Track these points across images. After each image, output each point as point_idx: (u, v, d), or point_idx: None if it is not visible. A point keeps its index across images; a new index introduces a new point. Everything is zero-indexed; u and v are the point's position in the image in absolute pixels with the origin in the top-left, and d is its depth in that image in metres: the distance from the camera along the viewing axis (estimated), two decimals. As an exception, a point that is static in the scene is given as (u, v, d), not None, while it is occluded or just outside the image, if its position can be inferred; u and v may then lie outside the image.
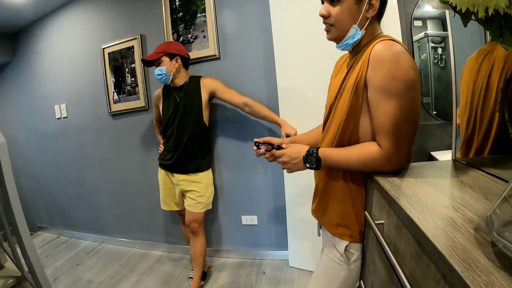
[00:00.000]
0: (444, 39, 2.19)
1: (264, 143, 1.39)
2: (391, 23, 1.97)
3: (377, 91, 1.00)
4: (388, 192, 0.90)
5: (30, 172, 4.03)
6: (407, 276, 0.78)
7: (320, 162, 1.15)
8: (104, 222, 3.56)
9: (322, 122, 1.37)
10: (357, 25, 1.07)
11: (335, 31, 1.12)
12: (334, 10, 1.08)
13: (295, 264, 2.62)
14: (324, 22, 1.13)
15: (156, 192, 2.64)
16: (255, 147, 1.40)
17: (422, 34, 2.22)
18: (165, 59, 2.27)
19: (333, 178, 1.21)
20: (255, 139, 1.40)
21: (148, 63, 2.32)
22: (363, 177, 1.15)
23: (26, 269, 1.58)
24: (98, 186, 3.50)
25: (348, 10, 1.06)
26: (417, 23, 2.23)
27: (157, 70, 2.26)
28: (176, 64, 2.30)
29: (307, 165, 1.19)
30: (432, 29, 2.21)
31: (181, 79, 2.36)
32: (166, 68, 2.26)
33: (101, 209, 3.55)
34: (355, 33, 1.08)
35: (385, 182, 0.98)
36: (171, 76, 2.30)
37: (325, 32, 1.17)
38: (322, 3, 1.13)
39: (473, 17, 0.71)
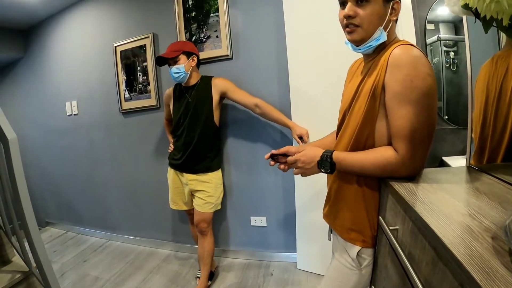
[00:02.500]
0: (456, 43, 2.18)
1: (281, 154, 1.33)
2: (405, 26, 1.96)
3: (395, 96, 0.99)
4: (404, 198, 0.90)
5: (40, 168, 4.07)
6: (422, 283, 0.78)
7: (334, 167, 1.14)
8: (112, 219, 3.58)
9: (334, 125, 1.36)
10: (383, 28, 1.07)
11: (361, 32, 1.09)
12: (363, 11, 1.06)
13: (303, 267, 2.61)
14: (348, 23, 1.10)
15: (165, 190, 2.65)
16: (272, 162, 1.36)
17: (434, 38, 2.21)
18: (183, 57, 2.27)
19: (346, 182, 1.20)
20: (273, 152, 1.34)
21: (161, 62, 2.31)
22: (376, 182, 1.15)
23: (33, 264, 1.59)
24: (107, 183, 3.53)
25: (377, 12, 1.05)
26: (430, 26, 2.22)
27: (174, 69, 2.25)
28: (193, 62, 2.32)
29: (322, 170, 1.18)
30: (444, 33, 2.19)
31: (194, 79, 2.36)
32: (184, 66, 2.26)
33: (109, 206, 3.57)
34: (380, 35, 1.08)
35: (401, 188, 0.98)
36: (188, 74, 2.30)
37: (339, 34, 1.18)
38: (342, 4, 1.11)
39: (493, 24, 0.71)
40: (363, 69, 1.20)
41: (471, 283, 0.54)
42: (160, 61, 2.30)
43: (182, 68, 2.25)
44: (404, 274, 0.89)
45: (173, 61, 2.26)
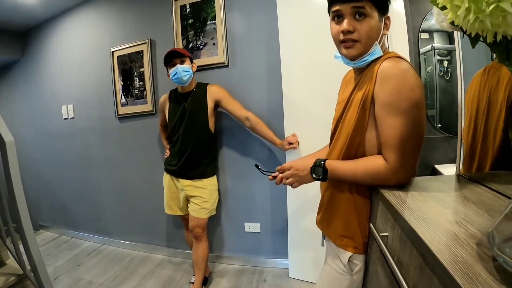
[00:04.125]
0: (450, 52, 2.20)
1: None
2: (399, 36, 1.98)
3: (384, 106, 1.02)
4: (393, 206, 0.92)
5: (35, 170, 4.06)
6: (410, 288, 0.80)
7: (327, 174, 1.16)
8: (106, 223, 3.57)
9: (327, 133, 1.38)
10: (377, 42, 1.08)
11: (360, 47, 1.08)
12: (362, 26, 1.05)
13: (295, 275, 2.61)
14: (346, 38, 1.08)
15: (159, 196, 2.66)
16: (271, 177, 1.41)
17: (428, 47, 2.24)
18: (188, 61, 2.30)
19: (338, 191, 1.22)
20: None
21: (168, 59, 2.29)
22: (368, 190, 1.17)
23: (28, 267, 1.59)
24: (102, 188, 3.52)
25: (375, 27, 1.05)
26: (424, 35, 2.24)
27: (183, 67, 2.25)
28: (193, 68, 2.35)
29: (314, 176, 1.21)
30: (438, 42, 2.22)
31: (190, 85, 2.38)
32: (190, 67, 2.30)
33: (104, 210, 3.56)
34: (376, 50, 1.08)
35: (390, 196, 1.00)
36: (192, 77, 2.34)
37: (333, 43, 1.17)
38: (337, 18, 1.10)
39: (481, 39, 0.73)
40: (355, 80, 1.22)
41: (455, 287, 0.56)
42: (169, 57, 2.29)
43: (189, 68, 2.28)
44: (394, 280, 0.91)
45: (181, 60, 2.27)
